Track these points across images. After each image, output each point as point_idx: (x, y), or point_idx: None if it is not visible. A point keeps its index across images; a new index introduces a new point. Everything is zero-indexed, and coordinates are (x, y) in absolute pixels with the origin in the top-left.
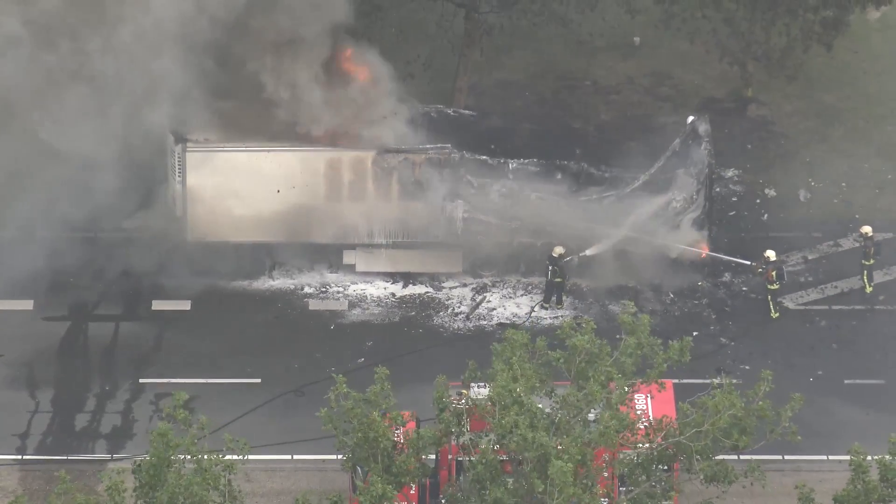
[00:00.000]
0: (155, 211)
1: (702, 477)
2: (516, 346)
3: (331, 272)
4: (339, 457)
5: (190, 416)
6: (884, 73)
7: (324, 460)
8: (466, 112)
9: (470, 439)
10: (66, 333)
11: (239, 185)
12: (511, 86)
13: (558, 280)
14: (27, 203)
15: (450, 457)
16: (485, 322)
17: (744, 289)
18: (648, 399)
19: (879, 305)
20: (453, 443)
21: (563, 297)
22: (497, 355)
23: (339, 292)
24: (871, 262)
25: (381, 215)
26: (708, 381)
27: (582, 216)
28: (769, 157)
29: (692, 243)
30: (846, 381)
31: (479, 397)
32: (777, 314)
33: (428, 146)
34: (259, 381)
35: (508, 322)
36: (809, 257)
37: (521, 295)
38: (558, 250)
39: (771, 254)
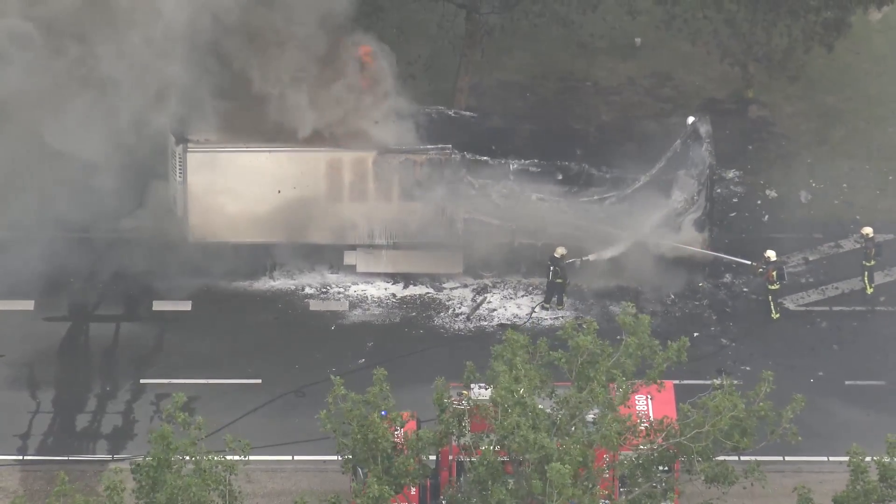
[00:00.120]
0: (155, 211)
1: (702, 478)
2: (516, 347)
3: (331, 273)
4: (340, 458)
5: (189, 418)
6: (885, 75)
7: (325, 461)
8: (467, 113)
9: (471, 440)
10: (67, 334)
11: (240, 186)
12: (512, 86)
13: (559, 281)
14: (28, 203)
15: (450, 457)
16: (485, 323)
17: (744, 290)
18: (649, 400)
19: (880, 307)
20: (454, 443)
21: (564, 298)
22: (496, 357)
23: (339, 293)
24: (872, 263)
25: (382, 216)
26: (708, 382)
27: (582, 217)
28: (770, 158)
29: (692, 244)
30: (847, 383)
31: (481, 398)
32: (778, 315)
33: (429, 147)
34: (260, 381)
35: (509, 323)
36: (810, 258)
37: (522, 296)
38: (560, 251)
39: (771, 254)
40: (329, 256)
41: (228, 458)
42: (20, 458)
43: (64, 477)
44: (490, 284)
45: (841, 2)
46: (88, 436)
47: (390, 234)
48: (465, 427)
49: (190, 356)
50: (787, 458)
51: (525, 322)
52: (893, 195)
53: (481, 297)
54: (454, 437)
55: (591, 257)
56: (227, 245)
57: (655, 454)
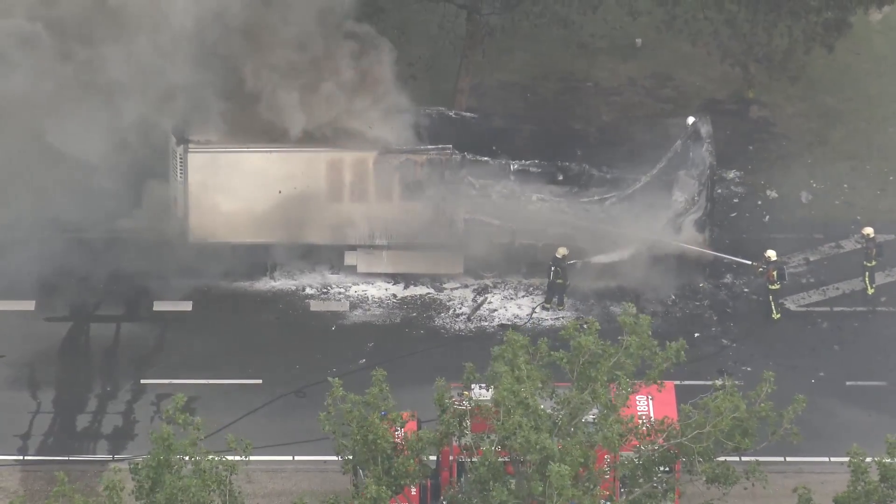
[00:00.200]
0: (156, 212)
1: (703, 478)
2: (517, 347)
3: (332, 273)
4: (340, 458)
5: (189, 418)
6: (885, 75)
7: (325, 461)
8: (468, 113)
9: (472, 440)
10: (68, 334)
11: (240, 186)
12: (512, 87)
13: (560, 281)
14: (28, 204)
15: (451, 458)
16: (486, 323)
17: (745, 290)
18: (650, 400)
19: (881, 307)
20: (455, 444)
21: (565, 299)
22: (497, 357)
23: (340, 293)
24: (873, 263)
25: (383, 216)
26: (710, 382)
27: (583, 217)
28: (771, 158)
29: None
30: (848, 383)
31: (482, 398)
32: (778, 315)
33: (429, 147)
34: (260, 381)
35: (510, 323)
36: (811, 259)
37: (523, 296)
38: (562, 251)
39: (772, 253)
40: (329, 257)
41: (228, 458)
42: (20, 458)
43: (63, 477)
44: (491, 285)
45: (841, 2)
46: (89, 436)
47: (391, 234)
48: (465, 427)
49: (190, 356)
50: (788, 459)
51: (526, 322)
52: (894, 195)
53: (482, 298)
54: (455, 438)
55: (593, 260)
56: (228, 245)
57: (656, 455)
